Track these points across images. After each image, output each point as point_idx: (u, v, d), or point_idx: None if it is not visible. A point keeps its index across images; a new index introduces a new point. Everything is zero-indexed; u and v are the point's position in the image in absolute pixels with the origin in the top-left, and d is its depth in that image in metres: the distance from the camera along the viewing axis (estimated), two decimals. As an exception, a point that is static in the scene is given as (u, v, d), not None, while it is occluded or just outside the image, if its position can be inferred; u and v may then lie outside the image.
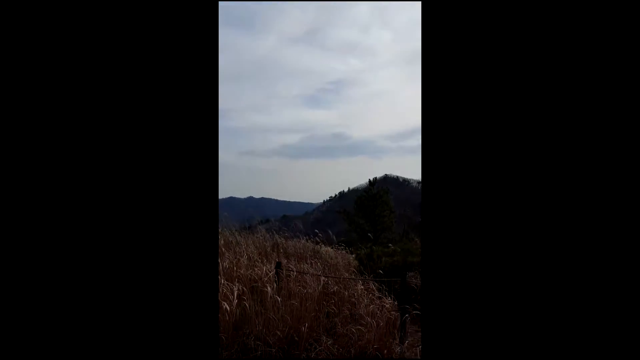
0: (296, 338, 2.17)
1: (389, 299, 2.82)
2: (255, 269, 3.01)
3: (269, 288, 2.51)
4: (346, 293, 2.79)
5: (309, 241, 5.22)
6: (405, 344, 2.35)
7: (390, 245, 5.24)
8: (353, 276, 3.47)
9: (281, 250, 4.56)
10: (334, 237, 5.87)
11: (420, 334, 2.44)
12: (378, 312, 2.52)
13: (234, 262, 3.14)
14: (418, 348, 2.30)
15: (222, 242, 3.93)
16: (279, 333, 2.16)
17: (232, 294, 2.33)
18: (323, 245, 5.44)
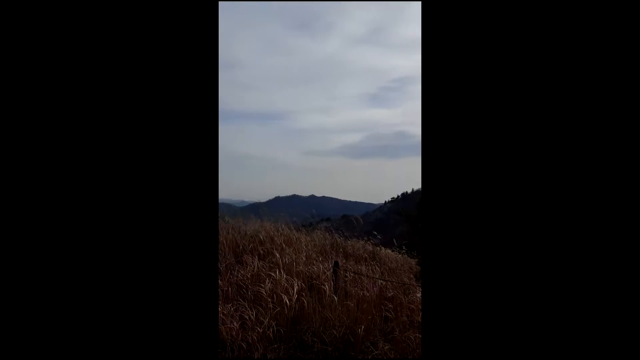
0: (352, 339, 2.17)
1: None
2: (314, 267, 3.08)
3: (326, 287, 2.54)
4: (405, 299, 2.70)
5: (368, 242, 5.17)
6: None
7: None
8: (413, 282, 3.35)
9: (340, 250, 4.59)
10: (395, 239, 5.71)
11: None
12: (439, 321, 2.40)
13: (294, 258, 3.26)
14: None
15: (284, 238, 4.10)
16: (335, 332, 2.18)
17: (292, 289, 2.41)
18: (383, 247, 5.34)
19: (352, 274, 2.93)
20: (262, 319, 2.22)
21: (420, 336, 2.19)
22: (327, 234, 5.19)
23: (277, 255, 3.14)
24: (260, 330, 2.13)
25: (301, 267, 3.02)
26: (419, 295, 2.72)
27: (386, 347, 2.16)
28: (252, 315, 2.24)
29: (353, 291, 2.61)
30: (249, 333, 2.14)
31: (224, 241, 3.72)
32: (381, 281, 2.89)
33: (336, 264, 2.97)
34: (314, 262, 3.32)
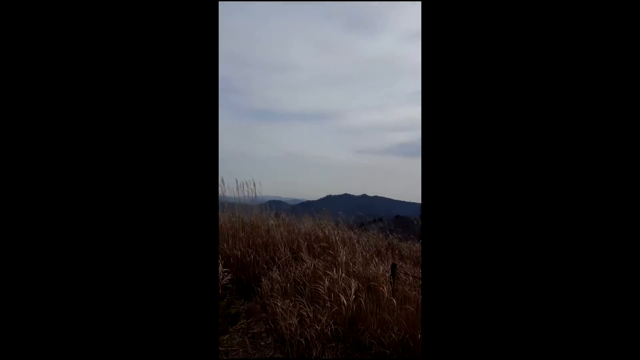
0: (412, 344, 2.10)
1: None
2: (370, 268, 3.04)
3: (384, 289, 2.49)
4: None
5: (424, 245, 4.97)
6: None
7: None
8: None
9: (396, 252, 4.48)
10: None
11: None
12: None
13: (350, 258, 3.25)
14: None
15: (339, 237, 4.11)
16: (394, 336, 2.13)
17: (350, 289, 2.41)
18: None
19: (411, 278, 2.83)
20: (319, 316, 2.24)
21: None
22: (381, 234, 5.09)
23: (333, 254, 3.16)
24: (319, 328, 2.16)
25: (357, 268, 3.00)
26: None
27: (449, 356, 2.06)
28: (310, 312, 2.28)
29: (412, 295, 2.52)
30: (307, 330, 2.18)
31: (280, 238, 3.84)
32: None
33: (394, 266, 2.90)
34: (369, 262, 3.28)
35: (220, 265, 3.11)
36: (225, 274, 3.06)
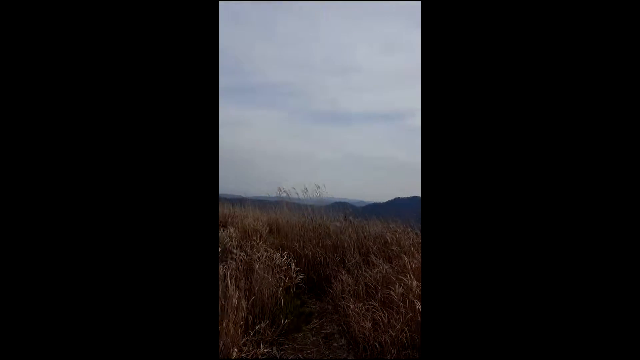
0: None
1: None
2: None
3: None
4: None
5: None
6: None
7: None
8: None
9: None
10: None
11: None
12: None
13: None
14: None
15: (410, 242, 3.96)
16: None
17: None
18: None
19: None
20: (394, 322, 2.19)
21: None
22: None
23: (405, 259, 3.05)
24: (393, 334, 2.10)
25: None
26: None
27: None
28: (384, 317, 2.24)
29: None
30: (382, 334, 2.14)
31: (349, 239, 3.85)
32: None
33: (473, 273, 2.69)
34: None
35: (293, 264, 3.24)
36: (298, 273, 3.17)
